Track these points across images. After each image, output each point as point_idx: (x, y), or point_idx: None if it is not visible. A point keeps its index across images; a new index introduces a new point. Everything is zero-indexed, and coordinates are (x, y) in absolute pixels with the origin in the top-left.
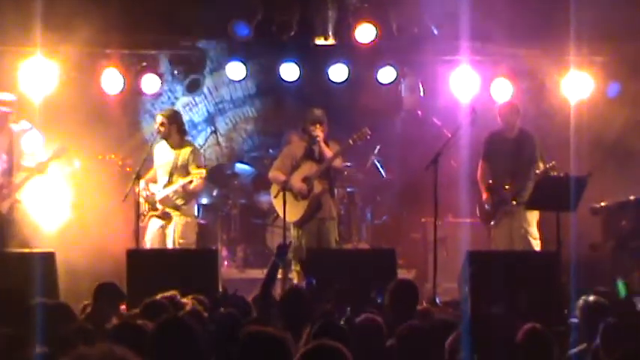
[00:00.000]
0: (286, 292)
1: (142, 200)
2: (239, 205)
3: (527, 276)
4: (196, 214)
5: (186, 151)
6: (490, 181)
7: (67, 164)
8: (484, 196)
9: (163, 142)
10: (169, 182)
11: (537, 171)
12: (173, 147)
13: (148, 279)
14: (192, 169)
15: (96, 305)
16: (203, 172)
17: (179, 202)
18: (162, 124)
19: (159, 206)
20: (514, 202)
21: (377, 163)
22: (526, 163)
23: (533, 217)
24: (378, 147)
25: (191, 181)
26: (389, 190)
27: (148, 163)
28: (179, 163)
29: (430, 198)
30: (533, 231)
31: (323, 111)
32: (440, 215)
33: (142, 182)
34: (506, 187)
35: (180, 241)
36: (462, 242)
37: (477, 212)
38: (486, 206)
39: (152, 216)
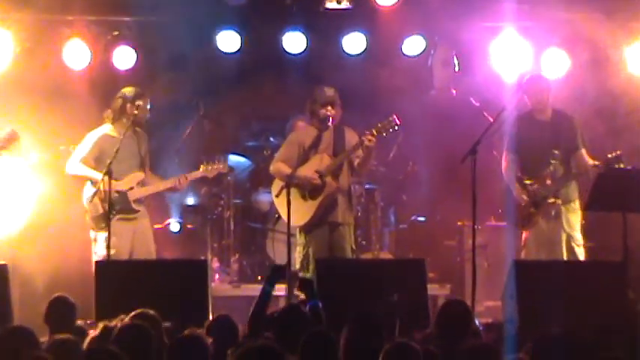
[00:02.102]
0: (283, 312)
1: (95, 201)
2: (233, 205)
3: (588, 292)
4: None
5: (145, 140)
6: (520, 176)
7: (17, 155)
8: (516, 193)
9: (107, 127)
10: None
11: (594, 162)
12: (126, 135)
13: (122, 297)
14: (204, 166)
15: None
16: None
17: (141, 206)
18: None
19: (136, 207)
20: (557, 201)
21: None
22: (565, 152)
23: (577, 219)
24: (402, 134)
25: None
26: (417, 187)
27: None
28: (144, 155)
29: (467, 197)
30: (578, 236)
31: (335, 90)
32: (479, 218)
33: (100, 176)
34: (548, 182)
35: (152, 249)
36: (506, 250)
37: (505, 215)
38: (524, 196)
39: (127, 219)
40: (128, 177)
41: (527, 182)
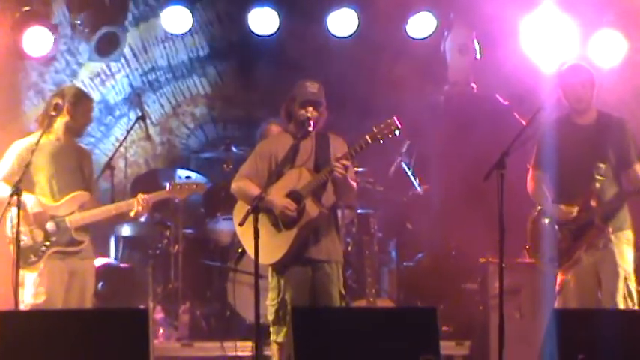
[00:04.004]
0: None
1: (23, 230)
2: (183, 237)
3: None
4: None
5: (89, 159)
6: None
7: None
8: (557, 211)
9: (38, 135)
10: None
11: None
12: (63, 145)
13: (34, 358)
14: (173, 184)
15: None
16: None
17: (86, 236)
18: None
19: (79, 237)
20: (606, 228)
21: (405, 168)
22: (614, 166)
23: (630, 253)
24: (407, 143)
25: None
26: (426, 212)
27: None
28: (88, 176)
29: (493, 225)
30: (631, 274)
31: (319, 85)
32: (509, 252)
33: (32, 198)
34: (592, 203)
35: (94, 299)
36: (544, 296)
37: (539, 249)
38: (573, 210)
39: (64, 253)
40: (68, 198)
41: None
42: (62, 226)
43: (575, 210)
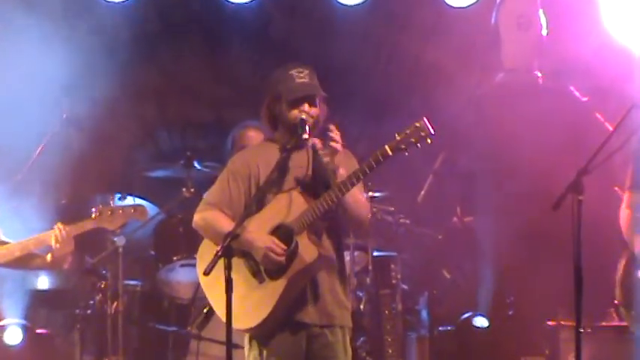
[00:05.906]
0: None
1: None
2: (125, 291)
3: None
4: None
5: None
6: None
7: None
8: None
9: None
10: None
11: None
12: None
13: None
14: (101, 209)
15: None
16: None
17: None
18: None
19: None
20: None
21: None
22: None
23: None
24: (443, 155)
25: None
26: (471, 255)
27: None
28: None
29: (566, 273)
30: None
31: (309, 71)
32: (588, 312)
33: None
34: None
35: None
36: None
37: (621, 306)
38: None
39: None
40: None
41: None
42: None
43: None
